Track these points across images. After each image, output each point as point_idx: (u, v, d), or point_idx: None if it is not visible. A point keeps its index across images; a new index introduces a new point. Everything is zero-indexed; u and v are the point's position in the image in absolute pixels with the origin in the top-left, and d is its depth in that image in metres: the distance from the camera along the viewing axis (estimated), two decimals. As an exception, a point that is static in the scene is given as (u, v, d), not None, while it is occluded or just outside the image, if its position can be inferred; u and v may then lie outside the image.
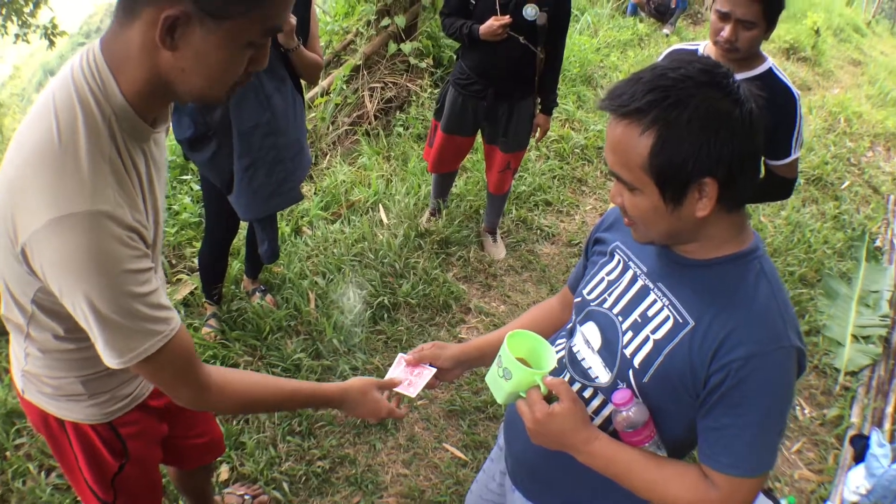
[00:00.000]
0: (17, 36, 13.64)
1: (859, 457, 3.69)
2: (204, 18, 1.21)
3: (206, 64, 1.28)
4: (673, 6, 10.67)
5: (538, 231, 5.43)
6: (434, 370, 1.95)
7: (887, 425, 4.11)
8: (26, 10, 13.50)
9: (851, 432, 3.98)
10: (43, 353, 1.60)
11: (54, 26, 13.74)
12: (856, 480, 3.56)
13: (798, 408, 4.24)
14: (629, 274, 1.64)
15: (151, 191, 1.48)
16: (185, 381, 1.50)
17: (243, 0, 1.23)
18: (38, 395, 1.74)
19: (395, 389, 1.92)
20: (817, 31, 11.67)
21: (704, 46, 3.03)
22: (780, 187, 3.14)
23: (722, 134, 1.31)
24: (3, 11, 13.17)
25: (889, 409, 4.24)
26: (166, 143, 1.62)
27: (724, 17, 2.76)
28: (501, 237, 5.19)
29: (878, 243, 6.17)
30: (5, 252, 1.35)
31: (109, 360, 1.38)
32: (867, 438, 3.71)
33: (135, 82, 1.30)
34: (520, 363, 1.54)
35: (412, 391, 1.90)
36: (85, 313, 1.32)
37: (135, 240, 1.34)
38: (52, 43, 13.83)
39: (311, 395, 1.80)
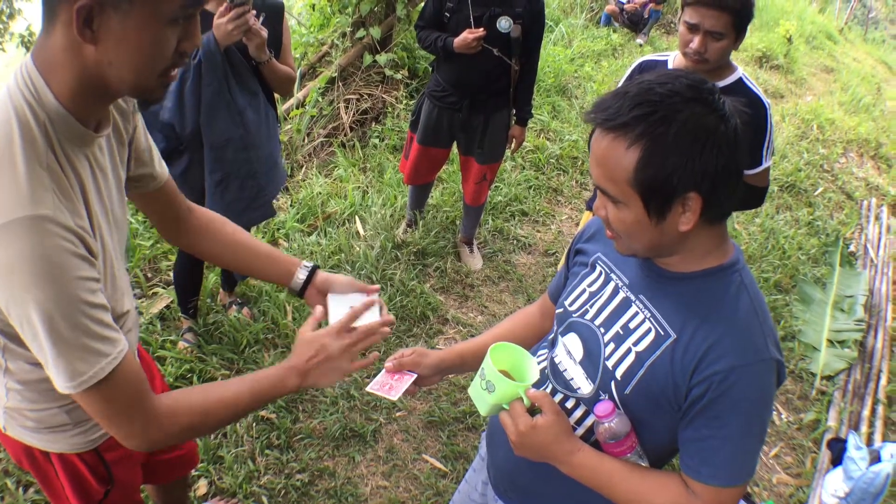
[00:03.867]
0: (-9, 46, 13.49)
1: (837, 460, 3.71)
2: (117, 1, 1.18)
3: (131, 51, 1.24)
4: (646, 16, 10.76)
5: (514, 241, 5.44)
6: (415, 375, 1.94)
7: (864, 428, 4.14)
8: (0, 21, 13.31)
9: (829, 436, 4.01)
10: (23, 384, 1.56)
11: (31, 34, 13.61)
12: (834, 483, 3.58)
13: (775, 413, 4.27)
14: (611, 286, 1.65)
15: (100, 199, 1.44)
16: (136, 412, 1.41)
17: None
18: (21, 430, 1.69)
19: (377, 393, 1.90)
20: (790, 39, 11.79)
21: (674, 58, 3.05)
22: (751, 196, 3.16)
23: (707, 149, 1.32)
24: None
25: (865, 413, 4.28)
26: (117, 149, 1.56)
27: (692, 28, 2.78)
28: (478, 248, 5.20)
29: (851, 248, 6.24)
30: None
31: (61, 384, 1.32)
32: (844, 442, 3.74)
33: (66, 84, 1.28)
34: (503, 376, 1.54)
35: (393, 394, 1.88)
36: (33, 326, 1.26)
37: (79, 246, 1.28)
38: (29, 51, 13.69)
39: (252, 391, 1.60)
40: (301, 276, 1.96)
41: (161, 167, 1.79)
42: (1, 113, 1.26)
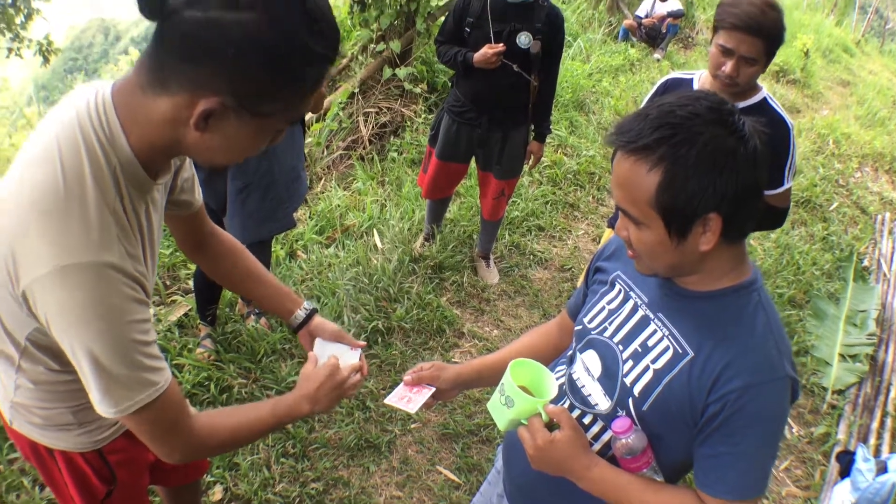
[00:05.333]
0: (9, 50, 13.52)
1: (845, 472, 3.73)
2: (241, 111, 1.25)
3: (233, 147, 1.33)
4: (664, 31, 10.75)
5: (531, 256, 5.46)
6: (433, 389, 1.98)
7: (872, 440, 4.17)
8: (17, 21, 13.32)
9: (838, 449, 4.03)
10: (35, 384, 1.59)
11: (49, 42, 13.61)
12: (841, 495, 3.60)
13: (786, 427, 4.27)
14: (630, 304, 1.67)
15: (151, 240, 1.50)
16: (177, 432, 1.51)
17: (284, 100, 1.28)
18: (27, 426, 1.73)
19: (395, 405, 1.95)
20: (807, 53, 11.77)
21: (700, 77, 3.03)
22: (772, 217, 3.14)
23: (727, 171, 1.34)
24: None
25: (874, 425, 4.30)
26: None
27: (726, 52, 2.74)
28: (495, 262, 5.22)
29: (865, 263, 6.24)
30: (3, 289, 1.34)
31: (104, 410, 1.39)
32: (853, 454, 3.75)
33: (149, 143, 1.32)
34: (522, 391, 1.57)
35: (412, 407, 1.93)
36: (85, 362, 1.33)
37: (138, 291, 1.35)
38: (46, 60, 13.70)
39: (273, 414, 1.70)
40: (300, 315, 2.07)
41: (198, 194, 1.86)
42: (71, 146, 1.29)
